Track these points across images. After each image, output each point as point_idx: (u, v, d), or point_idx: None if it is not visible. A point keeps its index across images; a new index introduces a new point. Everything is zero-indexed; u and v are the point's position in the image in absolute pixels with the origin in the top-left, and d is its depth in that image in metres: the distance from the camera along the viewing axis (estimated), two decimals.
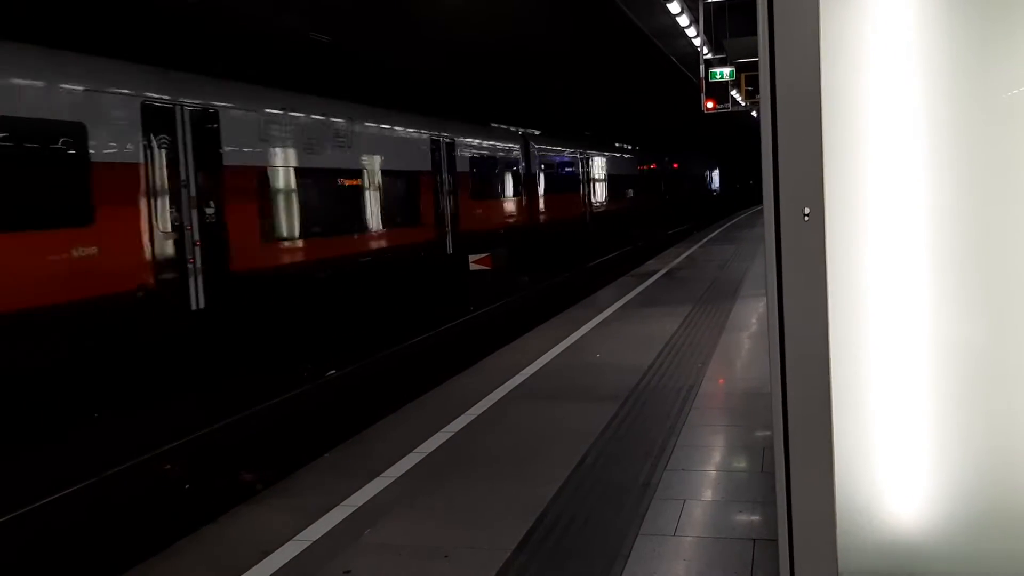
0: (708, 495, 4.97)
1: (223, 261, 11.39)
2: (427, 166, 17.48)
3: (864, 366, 3.13)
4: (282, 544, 4.52)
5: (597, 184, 30.57)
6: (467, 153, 19.47)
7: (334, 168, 14.28)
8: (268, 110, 12.79)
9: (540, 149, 24.53)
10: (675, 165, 45.12)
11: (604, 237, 29.39)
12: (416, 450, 5.96)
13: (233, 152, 11.82)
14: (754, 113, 26.45)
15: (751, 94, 23.22)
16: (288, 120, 13.19)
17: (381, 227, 15.69)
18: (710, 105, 22.07)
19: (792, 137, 2.93)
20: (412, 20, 17.61)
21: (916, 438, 3.12)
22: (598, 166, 30.81)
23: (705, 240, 25.02)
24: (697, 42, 20.68)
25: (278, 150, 12.84)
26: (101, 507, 7.26)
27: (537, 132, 25.76)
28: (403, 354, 13.05)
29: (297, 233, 13.26)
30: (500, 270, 18.98)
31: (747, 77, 22.43)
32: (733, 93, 23.73)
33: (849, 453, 3.10)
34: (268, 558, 4.36)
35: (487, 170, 20.84)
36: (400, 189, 16.33)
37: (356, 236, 14.95)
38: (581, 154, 28.87)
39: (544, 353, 9.06)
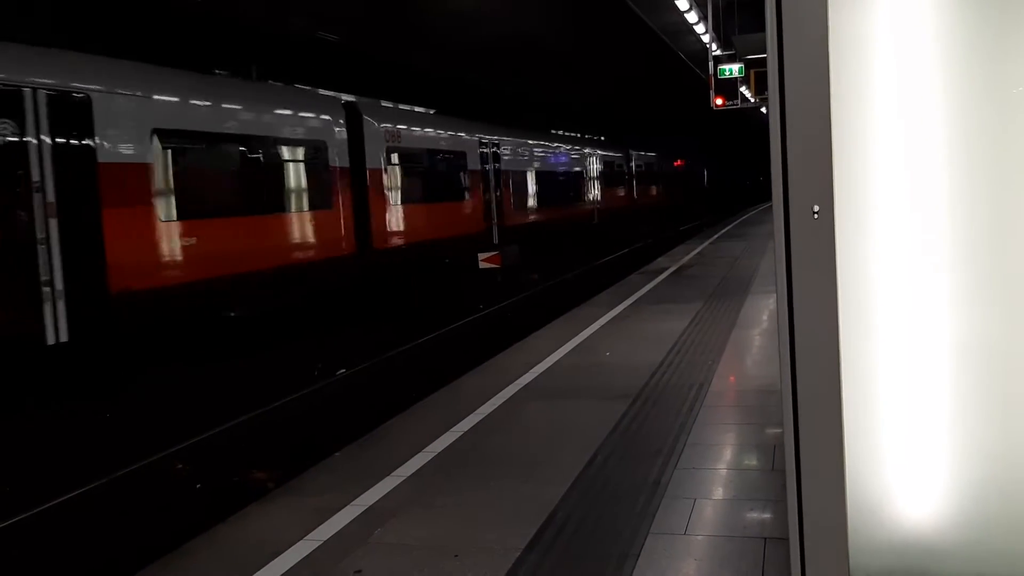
0: (719, 493, 4.95)
1: None
2: None
3: (875, 364, 3.10)
4: (293, 544, 4.53)
5: (517, 185, 21.42)
6: (151, 123, 10.14)
7: None
8: None
9: (391, 130, 15.46)
10: (677, 163, 39.82)
11: (526, 265, 19.89)
12: (425, 449, 5.97)
13: None
14: (763, 110, 26.37)
15: (761, 90, 23.11)
16: None
17: None
18: (719, 102, 22.03)
19: (801, 134, 2.91)
20: None
21: (928, 436, 3.10)
22: (521, 160, 21.92)
23: (712, 239, 24.95)
24: (706, 39, 20.62)
25: None
26: None
27: (387, 104, 16.98)
28: None
29: None
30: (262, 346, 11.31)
31: (756, 74, 22.36)
32: (742, 90, 23.68)
33: (860, 451, 3.08)
34: (279, 558, 4.37)
35: (229, 160, 11.58)
36: None
37: None
38: (487, 141, 19.76)
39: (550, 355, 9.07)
